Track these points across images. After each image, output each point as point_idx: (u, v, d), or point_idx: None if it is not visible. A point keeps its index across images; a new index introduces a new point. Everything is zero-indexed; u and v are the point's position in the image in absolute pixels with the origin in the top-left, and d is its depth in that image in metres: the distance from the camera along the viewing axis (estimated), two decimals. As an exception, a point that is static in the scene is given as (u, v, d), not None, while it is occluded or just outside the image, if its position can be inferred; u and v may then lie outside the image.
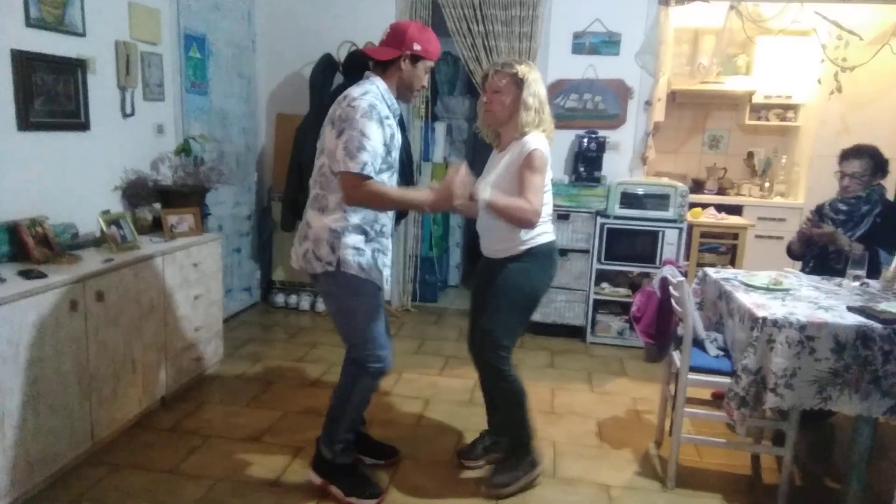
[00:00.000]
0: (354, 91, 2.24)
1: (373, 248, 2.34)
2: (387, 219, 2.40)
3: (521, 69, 2.39)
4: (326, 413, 2.49)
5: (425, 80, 2.41)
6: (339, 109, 2.21)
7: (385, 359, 2.44)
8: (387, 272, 2.43)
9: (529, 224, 2.34)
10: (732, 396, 2.33)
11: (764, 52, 4.96)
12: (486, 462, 2.71)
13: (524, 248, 2.44)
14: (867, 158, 3.12)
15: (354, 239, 2.28)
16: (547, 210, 2.44)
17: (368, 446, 2.70)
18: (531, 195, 2.30)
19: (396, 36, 2.31)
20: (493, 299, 2.48)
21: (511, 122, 2.42)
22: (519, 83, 2.38)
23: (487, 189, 2.26)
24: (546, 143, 2.39)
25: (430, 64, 2.37)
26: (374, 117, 2.17)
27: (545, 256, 2.49)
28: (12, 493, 2.24)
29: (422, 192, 2.33)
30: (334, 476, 2.46)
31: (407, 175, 4.52)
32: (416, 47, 2.28)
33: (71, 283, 2.45)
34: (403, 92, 2.37)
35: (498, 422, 2.75)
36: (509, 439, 2.63)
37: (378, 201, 2.23)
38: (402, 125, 4.27)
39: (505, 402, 2.57)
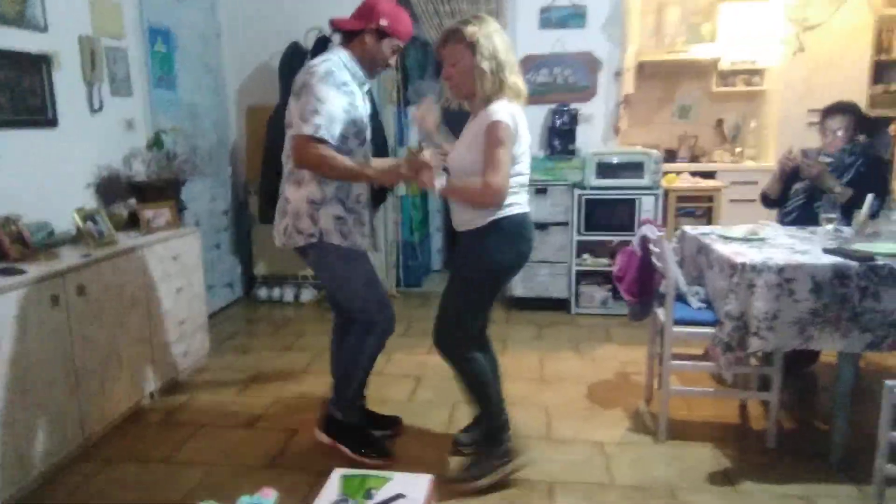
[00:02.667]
0: (314, 60, 2.28)
1: (354, 218, 2.37)
2: (361, 188, 2.40)
3: (469, 30, 2.12)
4: (333, 374, 2.54)
5: (391, 59, 2.38)
6: (299, 79, 2.23)
7: (390, 318, 2.48)
8: (368, 241, 2.45)
9: (493, 204, 2.15)
10: (718, 342, 2.38)
11: (727, 19, 5.03)
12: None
13: (488, 220, 2.19)
14: (850, 115, 3.19)
15: (335, 210, 2.31)
16: (520, 180, 2.23)
17: (373, 419, 2.73)
18: (492, 173, 2.08)
19: (365, 9, 2.31)
20: (453, 277, 2.33)
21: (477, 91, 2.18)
22: (471, 47, 2.12)
23: (442, 176, 2.18)
24: (511, 111, 2.13)
25: (397, 42, 2.34)
26: (331, 82, 2.19)
27: (512, 229, 2.22)
28: (6, 490, 2.21)
29: (367, 165, 2.34)
30: (342, 435, 2.51)
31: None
32: (383, 22, 2.27)
33: (50, 278, 2.42)
34: (366, 67, 2.36)
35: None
36: (482, 428, 2.46)
37: (326, 166, 2.21)
38: (372, 100, 4.29)
39: (468, 388, 2.36)
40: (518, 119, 2.16)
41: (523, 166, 2.23)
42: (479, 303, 2.31)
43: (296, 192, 2.31)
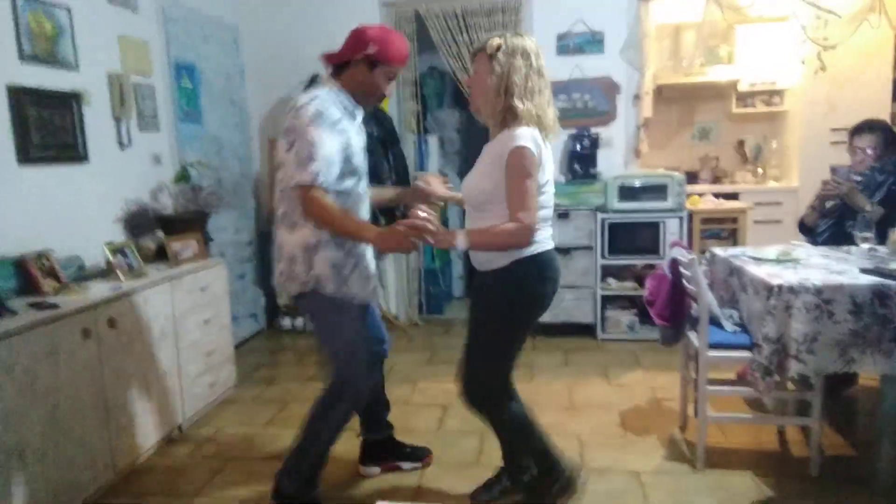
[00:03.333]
0: (302, 98, 2.11)
1: (354, 263, 2.21)
2: None
3: (492, 42, 2.00)
4: (293, 444, 2.33)
5: (386, 88, 2.21)
6: (287, 119, 2.08)
7: (365, 386, 2.29)
8: (372, 283, 2.31)
9: (525, 243, 2.01)
10: (756, 367, 2.33)
11: (744, 41, 5.03)
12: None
13: (512, 259, 2.04)
14: (879, 133, 3.15)
15: (332, 254, 2.15)
16: (544, 214, 2.06)
17: (402, 452, 2.69)
18: (522, 211, 1.93)
19: (352, 38, 2.17)
20: (474, 328, 2.19)
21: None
22: (489, 60, 1.98)
23: (462, 238, 1.97)
24: (534, 135, 1.97)
25: (392, 69, 2.18)
26: (324, 123, 2.03)
27: (536, 270, 2.07)
28: (37, 526, 2.20)
29: (370, 227, 2.12)
30: None
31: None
32: (371, 50, 2.11)
33: (82, 312, 2.44)
34: (360, 98, 2.21)
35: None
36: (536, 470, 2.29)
37: (327, 220, 2.05)
38: (393, 130, 4.37)
39: (507, 439, 2.26)
40: (541, 145, 2.00)
41: (547, 198, 2.07)
42: (507, 351, 2.16)
43: (290, 237, 2.16)
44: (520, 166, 1.93)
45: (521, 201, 1.94)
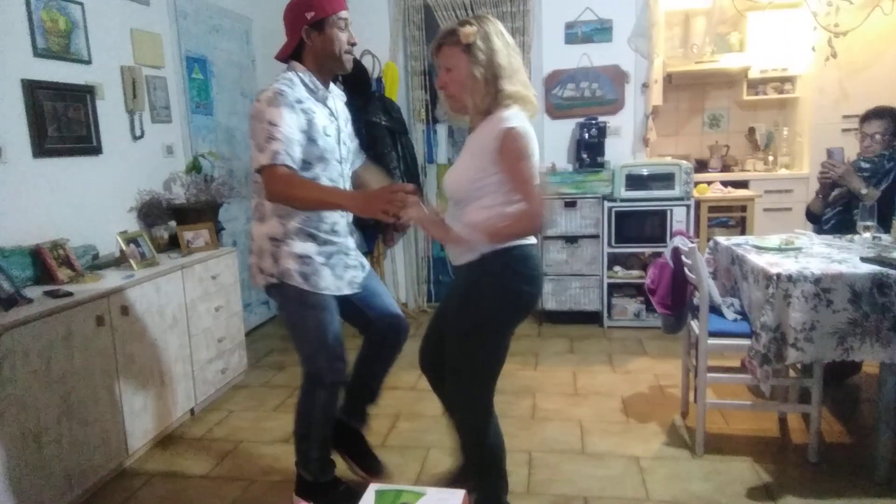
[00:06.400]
0: (265, 85, 2.06)
1: (329, 253, 2.16)
2: (336, 216, 2.18)
3: (465, 31, 1.81)
4: (293, 434, 2.32)
5: (345, 38, 2.09)
6: (252, 107, 2.03)
7: (341, 370, 2.23)
8: (350, 274, 2.24)
9: (539, 228, 1.85)
10: (754, 355, 2.35)
11: (755, 28, 4.98)
12: None
13: (481, 252, 1.85)
14: (888, 119, 3.13)
15: (300, 247, 2.10)
16: None
17: (358, 451, 2.47)
18: (529, 195, 1.78)
19: (289, 19, 2.11)
20: (451, 338, 1.95)
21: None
22: (467, 50, 1.82)
23: (456, 233, 1.83)
24: (521, 117, 1.83)
25: (339, 18, 2.06)
26: (282, 103, 1.97)
27: (507, 266, 1.85)
28: (54, 505, 2.29)
29: (342, 192, 2.09)
30: (318, 497, 2.28)
31: (412, 178, 4.58)
32: (309, 14, 2.04)
33: (96, 299, 2.52)
34: (330, 64, 2.11)
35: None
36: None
37: (296, 195, 1.95)
38: (396, 118, 4.34)
39: (474, 463, 2.04)
40: (531, 132, 1.83)
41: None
42: (493, 359, 1.92)
43: (258, 229, 2.13)
44: (516, 148, 1.77)
45: (524, 185, 1.78)
